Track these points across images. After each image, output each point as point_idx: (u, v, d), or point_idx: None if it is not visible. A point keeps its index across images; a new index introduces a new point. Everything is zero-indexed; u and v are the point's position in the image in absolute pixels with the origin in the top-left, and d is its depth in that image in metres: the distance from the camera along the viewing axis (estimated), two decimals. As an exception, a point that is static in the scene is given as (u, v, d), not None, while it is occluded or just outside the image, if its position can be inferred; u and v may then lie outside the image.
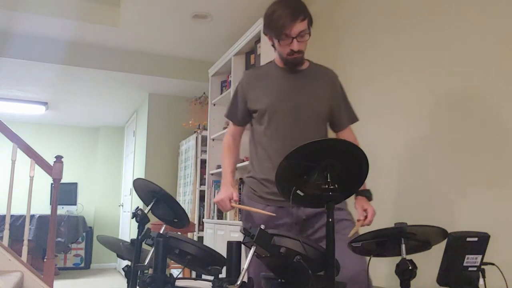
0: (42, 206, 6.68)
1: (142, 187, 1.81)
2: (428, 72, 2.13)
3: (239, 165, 3.36)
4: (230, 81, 3.69)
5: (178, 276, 1.73)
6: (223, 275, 1.30)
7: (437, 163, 2.02)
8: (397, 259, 1.19)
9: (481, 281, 1.22)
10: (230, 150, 1.97)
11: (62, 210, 6.64)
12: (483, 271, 1.23)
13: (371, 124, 2.47)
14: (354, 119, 1.90)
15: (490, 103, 1.81)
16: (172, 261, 2.50)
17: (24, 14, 3.78)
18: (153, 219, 1.86)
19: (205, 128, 4.69)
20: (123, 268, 1.76)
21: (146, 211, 1.75)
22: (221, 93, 4.00)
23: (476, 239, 1.20)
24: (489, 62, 1.82)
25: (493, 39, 1.81)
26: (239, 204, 1.75)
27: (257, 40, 3.32)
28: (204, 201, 4.11)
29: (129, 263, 1.74)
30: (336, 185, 1.17)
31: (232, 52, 3.65)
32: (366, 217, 1.61)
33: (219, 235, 3.55)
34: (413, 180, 2.14)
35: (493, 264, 1.27)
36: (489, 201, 1.77)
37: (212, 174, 3.97)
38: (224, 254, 1.37)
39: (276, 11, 1.71)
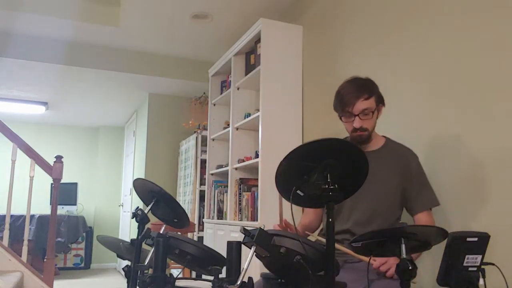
0: (42, 206, 6.68)
1: (142, 187, 1.81)
2: (430, 75, 2.13)
3: (239, 165, 3.37)
4: (230, 81, 3.70)
5: (178, 276, 1.73)
6: (223, 275, 1.30)
7: (437, 164, 2.02)
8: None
9: (481, 281, 1.22)
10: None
11: (62, 210, 6.64)
12: (483, 271, 1.22)
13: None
14: (430, 203, 1.79)
15: (493, 108, 1.81)
16: (172, 261, 2.50)
17: (24, 14, 3.78)
18: (153, 219, 1.86)
19: (205, 128, 4.69)
20: (123, 268, 1.76)
21: (146, 211, 1.75)
22: (221, 93, 4.00)
23: (476, 239, 1.20)
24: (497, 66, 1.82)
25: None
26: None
27: (257, 40, 3.32)
28: (204, 201, 4.10)
29: (129, 263, 1.74)
30: (336, 185, 1.17)
31: (232, 52, 3.65)
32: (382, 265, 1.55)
33: (219, 235, 3.55)
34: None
35: (493, 264, 1.26)
36: (489, 201, 1.77)
37: (212, 174, 3.97)
38: (224, 254, 1.37)
39: (344, 88, 1.78)
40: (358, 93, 1.74)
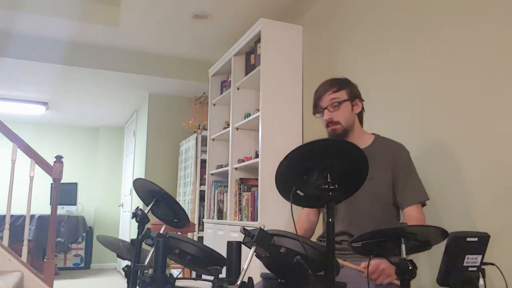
0: (42, 206, 6.67)
1: (142, 187, 1.81)
2: (430, 75, 2.13)
3: (239, 165, 3.37)
4: (230, 81, 3.70)
5: (178, 276, 1.73)
6: (223, 275, 1.30)
7: (437, 164, 2.02)
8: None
9: (481, 281, 1.22)
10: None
11: (62, 210, 6.64)
12: (483, 271, 1.22)
13: (372, 129, 2.47)
14: (418, 197, 1.71)
15: (494, 109, 1.81)
16: (172, 261, 2.50)
17: (24, 14, 3.78)
18: (153, 219, 1.86)
19: (205, 128, 4.69)
20: (123, 268, 1.76)
21: (146, 211, 1.75)
22: (221, 93, 4.00)
23: (476, 239, 1.19)
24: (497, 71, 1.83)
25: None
26: None
27: (257, 40, 3.32)
28: (204, 201, 4.10)
29: (129, 263, 1.74)
30: (336, 185, 1.17)
31: (232, 52, 3.65)
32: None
33: (219, 235, 3.55)
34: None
35: (493, 264, 1.26)
36: (489, 201, 1.77)
37: (212, 174, 3.96)
38: (224, 254, 1.37)
39: (317, 87, 1.86)
40: (327, 87, 1.81)
